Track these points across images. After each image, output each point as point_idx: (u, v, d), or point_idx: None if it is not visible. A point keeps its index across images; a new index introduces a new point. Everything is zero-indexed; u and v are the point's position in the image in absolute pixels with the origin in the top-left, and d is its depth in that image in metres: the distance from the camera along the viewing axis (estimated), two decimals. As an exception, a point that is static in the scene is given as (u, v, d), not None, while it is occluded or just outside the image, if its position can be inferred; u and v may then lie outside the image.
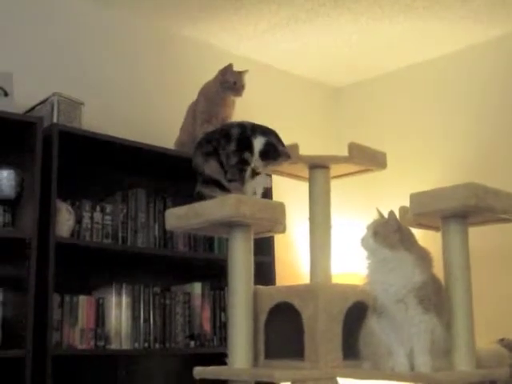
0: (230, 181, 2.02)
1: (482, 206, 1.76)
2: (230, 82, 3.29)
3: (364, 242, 1.79)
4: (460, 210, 1.79)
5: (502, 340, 2.86)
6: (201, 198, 2.03)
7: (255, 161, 2.00)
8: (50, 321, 2.65)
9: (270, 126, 2.07)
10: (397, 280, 1.72)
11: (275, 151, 2.00)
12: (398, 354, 1.73)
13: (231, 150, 2.01)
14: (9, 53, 3.13)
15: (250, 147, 2.00)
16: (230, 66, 3.32)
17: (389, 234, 1.75)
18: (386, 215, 1.81)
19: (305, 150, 2.13)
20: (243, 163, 2.00)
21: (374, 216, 1.83)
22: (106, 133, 2.99)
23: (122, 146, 3.01)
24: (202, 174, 2.07)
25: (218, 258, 3.27)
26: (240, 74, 3.33)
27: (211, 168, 2.05)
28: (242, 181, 2.00)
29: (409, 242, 1.77)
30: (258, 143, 2.00)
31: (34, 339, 2.56)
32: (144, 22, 3.67)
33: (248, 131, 2.03)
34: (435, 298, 1.73)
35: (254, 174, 2.02)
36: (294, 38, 3.92)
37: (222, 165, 2.03)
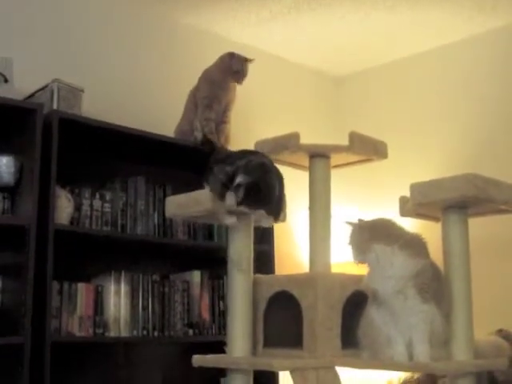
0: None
1: (481, 197, 1.76)
2: (234, 69, 3.31)
3: (354, 260, 1.84)
4: (460, 201, 1.79)
5: (500, 331, 2.86)
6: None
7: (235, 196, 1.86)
8: (48, 308, 2.65)
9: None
10: (395, 271, 1.73)
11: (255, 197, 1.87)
12: (397, 343, 1.73)
13: (226, 170, 1.88)
14: (9, 38, 3.12)
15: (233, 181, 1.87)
16: (239, 55, 3.33)
17: (360, 240, 1.82)
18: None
19: (305, 139, 2.12)
20: (226, 184, 1.87)
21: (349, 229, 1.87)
22: (106, 120, 2.98)
23: (121, 133, 3.00)
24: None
25: (217, 247, 3.27)
26: (246, 61, 3.34)
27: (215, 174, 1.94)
28: (220, 196, 1.88)
29: (385, 234, 1.78)
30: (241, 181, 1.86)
31: (33, 326, 2.56)
32: (145, 9, 3.65)
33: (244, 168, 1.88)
34: (435, 285, 1.73)
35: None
36: (295, 27, 3.90)
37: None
